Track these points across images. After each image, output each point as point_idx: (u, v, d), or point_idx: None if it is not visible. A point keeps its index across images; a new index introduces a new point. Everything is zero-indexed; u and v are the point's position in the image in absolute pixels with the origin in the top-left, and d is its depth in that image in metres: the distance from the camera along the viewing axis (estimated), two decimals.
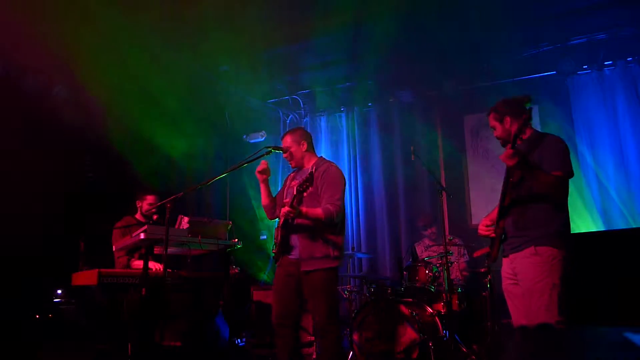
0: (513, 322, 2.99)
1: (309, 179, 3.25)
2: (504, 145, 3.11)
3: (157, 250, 3.98)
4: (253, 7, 5.19)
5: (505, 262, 3.04)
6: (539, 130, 3.14)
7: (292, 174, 3.82)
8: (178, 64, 5.95)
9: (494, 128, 3.15)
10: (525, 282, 2.84)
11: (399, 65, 6.61)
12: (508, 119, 3.06)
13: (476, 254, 4.65)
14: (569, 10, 5.39)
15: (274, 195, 3.82)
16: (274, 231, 3.74)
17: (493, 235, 3.00)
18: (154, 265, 4.50)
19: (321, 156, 3.78)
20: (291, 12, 5.38)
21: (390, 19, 5.46)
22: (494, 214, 3.11)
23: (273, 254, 3.59)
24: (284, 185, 3.83)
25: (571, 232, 2.97)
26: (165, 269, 3.62)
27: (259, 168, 3.64)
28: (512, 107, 3.08)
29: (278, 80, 7.12)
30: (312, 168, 3.48)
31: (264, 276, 6.87)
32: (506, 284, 3.02)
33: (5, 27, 4.64)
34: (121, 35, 5.28)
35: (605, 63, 5.86)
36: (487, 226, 3.05)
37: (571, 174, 2.89)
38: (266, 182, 3.70)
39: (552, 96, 6.05)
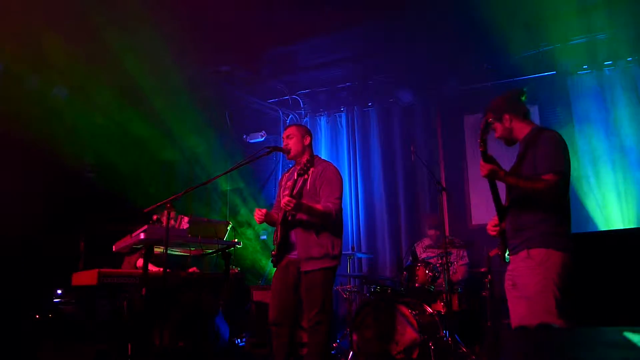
0: (510, 322, 2.93)
1: (310, 160, 3.22)
2: (508, 144, 2.96)
3: (157, 250, 3.98)
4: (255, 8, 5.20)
5: (510, 261, 2.96)
6: (539, 126, 2.94)
7: (286, 174, 3.81)
8: (178, 64, 5.95)
9: (494, 130, 2.90)
10: (522, 286, 2.77)
11: (399, 65, 6.61)
12: (507, 116, 2.89)
13: (492, 253, 4.60)
14: (569, 11, 5.39)
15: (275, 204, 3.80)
16: (272, 235, 3.72)
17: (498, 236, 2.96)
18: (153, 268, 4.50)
19: (317, 155, 3.77)
20: (291, 12, 5.38)
21: (389, 18, 5.46)
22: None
23: (272, 257, 3.55)
24: (280, 188, 3.81)
25: (571, 232, 2.81)
26: (165, 269, 3.61)
27: (260, 221, 3.51)
28: (509, 103, 2.90)
29: (278, 80, 7.12)
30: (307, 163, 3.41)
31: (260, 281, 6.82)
32: (507, 284, 2.96)
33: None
34: (120, 35, 5.28)
35: (605, 63, 5.85)
36: (494, 226, 2.98)
37: (562, 174, 2.70)
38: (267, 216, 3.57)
39: (552, 96, 6.04)
